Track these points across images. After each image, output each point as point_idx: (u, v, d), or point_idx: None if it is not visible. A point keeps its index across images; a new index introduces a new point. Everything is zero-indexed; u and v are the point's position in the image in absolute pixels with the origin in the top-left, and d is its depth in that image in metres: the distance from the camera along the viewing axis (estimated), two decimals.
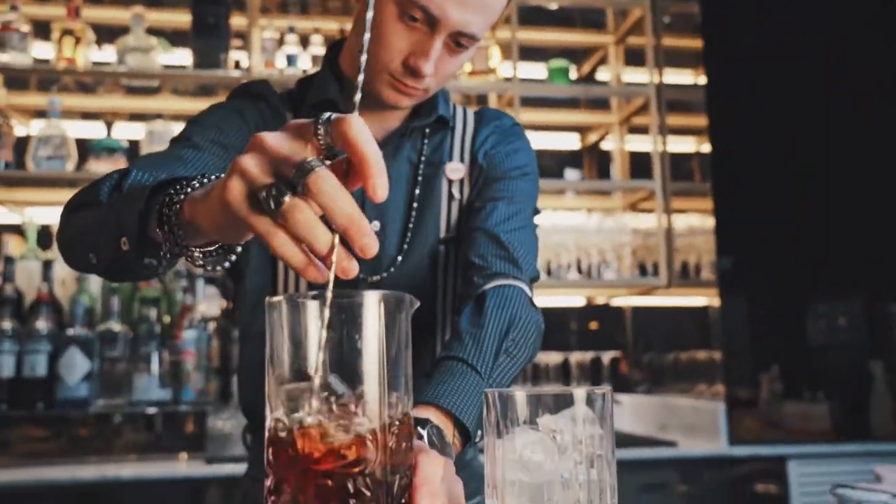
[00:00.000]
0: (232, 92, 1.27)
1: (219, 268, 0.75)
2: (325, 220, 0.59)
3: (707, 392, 3.12)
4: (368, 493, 0.57)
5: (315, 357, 0.58)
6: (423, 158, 1.23)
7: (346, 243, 0.59)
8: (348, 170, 0.61)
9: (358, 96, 0.63)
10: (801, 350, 3.74)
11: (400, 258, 1.19)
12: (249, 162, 0.61)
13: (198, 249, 0.72)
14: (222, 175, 0.69)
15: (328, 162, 0.61)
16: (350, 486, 0.57)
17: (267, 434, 0.60)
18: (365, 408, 0.58)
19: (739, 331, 3.64)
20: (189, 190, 0.72)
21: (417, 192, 1.21)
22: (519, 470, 0.62)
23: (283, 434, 0.59)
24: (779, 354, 3.56)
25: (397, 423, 0.60)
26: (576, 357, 3.45)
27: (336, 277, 0.59)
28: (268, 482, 0.60)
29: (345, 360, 0.59)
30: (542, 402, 0.63)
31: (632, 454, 2.68)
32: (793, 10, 3.65)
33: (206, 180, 0.73)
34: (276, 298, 0.61)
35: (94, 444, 2.65)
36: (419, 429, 0.81)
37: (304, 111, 1.22)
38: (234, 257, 0.74)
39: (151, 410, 2.61)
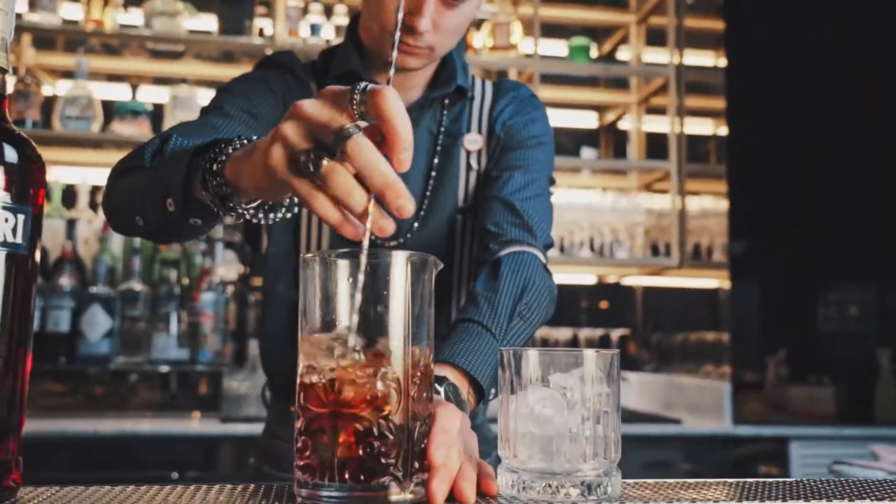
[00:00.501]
0: (258, 62, 1.31)
1: (272, 215, 0.80)
2: (361, 182, 0.63)
3: (714, 373, 3.16)
4: (391, 437, 0.62)
5: (347, 313, 0.63)
6: (442, 129, 1.26)
7: (381, 205, 0.64)
8: (381, 137, 0.66)
9: (392, 71, 0.68)
10: (809, 336, 3.77)
11: (416, 225, 1.23)
12: (290, 129, 0.66)
13: (244, 206, 0.78)
14: (258, 137, 0.74)
15: (364, 123, 0.66)
16: (375, 429, 0.62)
17: (298, 380, 0.65)
18: (390, 358, 0.63)
19: (749, 314, 3.67)
20: (230, 150, 0.76)
21: (436, 161, 1.25)
22: (531, 423, 0.66)
23: (314, 380, 0.63)
24: (787, 339, 3.59)
25: (419, 373, 0.65)
26: (585, 333, 3.49)
27: (371, 236, 0.63)
28: (298, 424, 0.65)
29: (373, 314, 0.64)
30: (554, 361, 0.67)
31: (636, 430, 2.73)
32: None
33: (245, 141, 0.77)
34: (309, 256, 0.66)
35: (111, 401, 2.73)
36: (436, 386, 0.85)
37: (327, 82, 1.25)
38: (284, 209, 0.79)
39: (165, 369, 2.68)
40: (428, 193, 1.24)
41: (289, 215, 0.81)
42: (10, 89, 0.65)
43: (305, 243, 1.26)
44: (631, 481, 0.74)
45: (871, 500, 0.67)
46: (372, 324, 0.64)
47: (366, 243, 0.63)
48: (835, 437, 2.85)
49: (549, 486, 0.65)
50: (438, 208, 1.25)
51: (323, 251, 0.65)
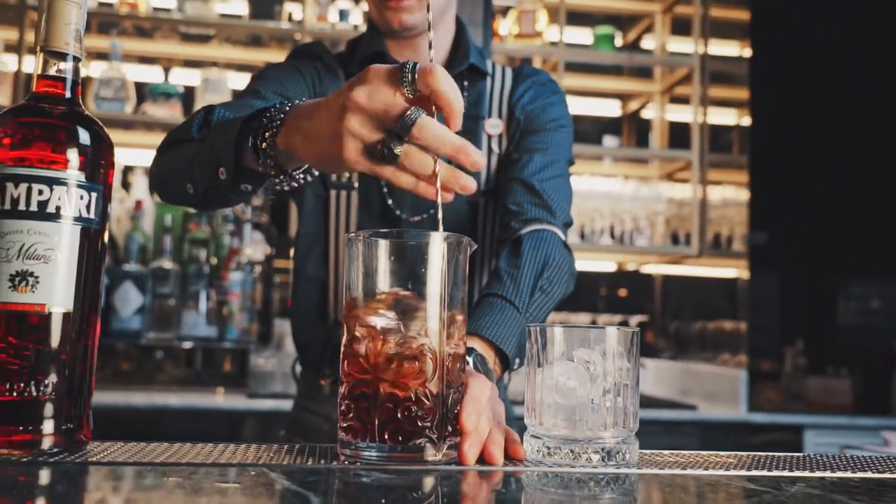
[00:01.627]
0: (290, 52, 1.37)
1: (302, 179, 0.88)
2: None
3: (731, 362, 3.20)
4: (427, 403, 0.68)
5: (385, 285, 0.69)
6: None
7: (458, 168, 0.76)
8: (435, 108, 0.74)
9: (432, 52, 0.79)
10: (828, 327, 3.79)
11: (434, 205, 1.28)
12: (355, 123, 0.73)
13: (293, 172, 0.86)
14: (302, 101, 0.83)
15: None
16: (413, 395, 0.67)
17: (342, 350, 0.71)
18: (427, 331, 0.69)
19: (768, 304, 3.69)
20: (278, 124, 0.82)
21: None
22: (555, 393, 0.72)
23: (357, 349, 0.69)
24: (806, 330, 3.62)
25: (453, 345, 0.70)
26: (603, 319, 3.54)
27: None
28: (342, 389, 0.70)
29: (412, 290, 0.69)
30: (578, 337, 0.73)
31: (652, 415, 2.78)
32: None
33: (287, 107, 0.83)
34: (352, 235, 0.71)
35: (137, 376, 2.82)
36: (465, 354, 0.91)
37: (354, 66, 1.31)
38: (316, 172, 0.89)
39: (189, 345, 2.76)
40: None
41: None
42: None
43: (335, 225, 1.32)
44: (647, 451, 0.79)
45: (872, 472, 0.72)
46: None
47: (438, 195, 0.75)
48: (849, 426, 2.88)
49: (572, 451, 0.71)
50: (459, 195, 1.29)
51: (366, 231, 0.71)
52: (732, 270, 3.38)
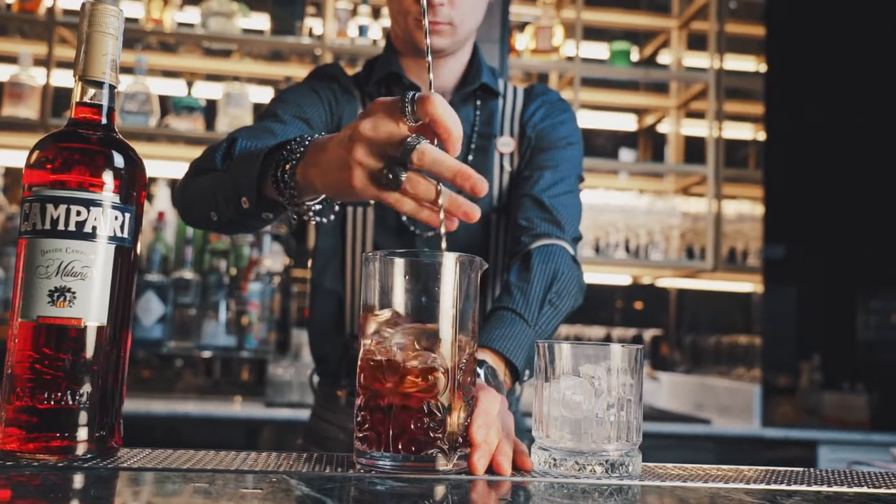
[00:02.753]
0: (309, 74, 1.42)
1: (326, 220, 0.95)
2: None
3: (745, 376, 3.20)
4: (439, 415, 0.71)
5: (403, 304, 0.73)
6: (475, 129, 1.36)
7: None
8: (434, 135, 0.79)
9: (431, 77, 0.84)
10: (845, 342, 3.78)
11: None
12: (361, 153, 0.79)
13: (309, 203, 0.91)
14: (320, 135, 0.89)
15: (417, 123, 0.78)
16: (425, 408, 0.71)
17: (359, 363, 0.75)
18: (439, 346, 0.72)
19: (784, 318, 3.69)
20: (297, 157, 0.87)
21: (470, 158, 1.35)
22: (562, 407, 0.76)
23: (374, 363, 0.73)
24: (822, 345, 3.61)
25: (464, 361, 0.74)
26: (618, 332, 3.56)
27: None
28: (358, 401, 0.74)
29: (425, 307, 0.73)
30: (584, 354, 0.76)
31: (666, 429, 2.79)
32: (859, 3, 3.64)
33: (307, 142, 0.88)
34: (371, 253, 0.75)
35: (157, 384, 2.88)
36: (476, 368, 0.95)
37: (371, 86, 1.36)
38: (337, 208, 0.94)
39: (207, 354, 2.81)
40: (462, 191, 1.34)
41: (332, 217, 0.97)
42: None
43: (351, 241, 1.36)
44: (652, 464, 0.82)
45: (868, 487, 0.74)
46: (424, 316, 0.73)
47: (442, 230, 0.80)
48: (864, 442, 2.87)
49: (577, 463, 0.74)
50: None
51: (384, 251, 0.75)
52: (748, 285, 3.39)
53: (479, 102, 1.37)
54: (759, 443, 2.87)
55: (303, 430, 1.51)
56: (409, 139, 0.76)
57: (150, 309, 2.73)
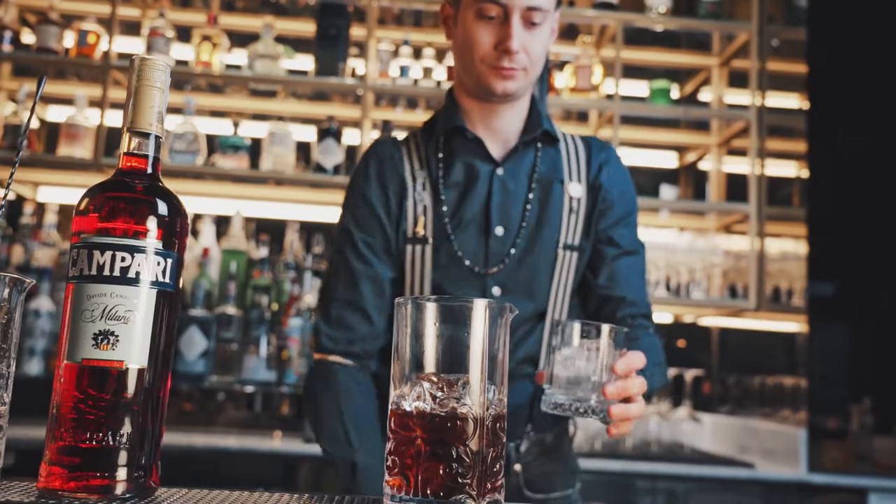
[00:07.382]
0: (366, 154, 1.47)
1: None
2: None
3: (791, 418, 3.12)
4: (468, 460, 0.72)
5: (433, 352, 0.74)
6: (536, 174, 1.44)
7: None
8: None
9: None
10: None
11: (514, 252, 1.39)
12: None
13: None
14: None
15: None
16: (454, 452, 0.72)
17: (390, 409, 0.76)
18: (468, 392, 0.73)
19: (832, 359, 3.60)
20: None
21: (535, 203, 1.42)
22: (565, 369, 1.09)
23: (404, 408, 0.74)
24: (873, 386, 3.51)
25: (493, 406, 0.75)
26: None
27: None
28: (388, 445, 0.75)
29: (454, 352, 0.74)
30: (585, 331, 1.10)
31: (708, 472, 2.73)
32: None
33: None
34: (401, 299, 0.77)
35: (198, 417, 2.92)
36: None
37: (431, 144, 1.44)
38: None
39: (250, 389, 2.84)
40: (523, 229, 1.40)
41: None
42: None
43: (410, 277, 1.41)
44: None
45: None
46: (454, 361, 0.74)
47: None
48: None
49: (573, 406, 1.09)
50: (537, 247, 1.41)
51: (415, 296, 0.76)
52: (792, 324, 3.32)
53: (539, 145, 1.45)
54: (806, 488, 2.79)
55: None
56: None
57: (194, 343, 2.78)
